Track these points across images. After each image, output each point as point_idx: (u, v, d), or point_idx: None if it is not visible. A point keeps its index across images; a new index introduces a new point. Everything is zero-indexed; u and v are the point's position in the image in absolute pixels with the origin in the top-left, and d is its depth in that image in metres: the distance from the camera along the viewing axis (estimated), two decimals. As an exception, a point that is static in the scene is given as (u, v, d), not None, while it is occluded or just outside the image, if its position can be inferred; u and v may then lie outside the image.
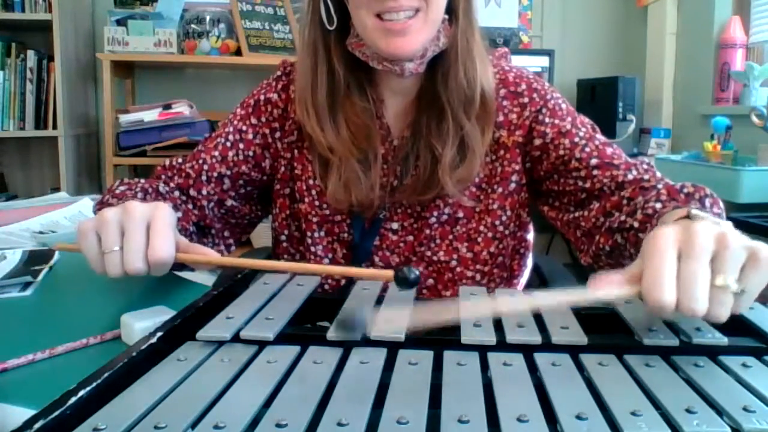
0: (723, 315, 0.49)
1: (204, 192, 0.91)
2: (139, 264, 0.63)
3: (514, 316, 0.54)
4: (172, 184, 0.92)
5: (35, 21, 2.43)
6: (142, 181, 0.88)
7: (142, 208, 0.65)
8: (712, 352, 0.51)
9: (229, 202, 0.94)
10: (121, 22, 2.50)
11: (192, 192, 0.91)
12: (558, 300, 0.51)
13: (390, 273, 0.56)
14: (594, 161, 0.85)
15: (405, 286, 0.54)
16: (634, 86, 2.71)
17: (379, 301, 0.61)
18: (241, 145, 0.93)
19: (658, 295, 0.48)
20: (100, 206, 0.83)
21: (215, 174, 0.92)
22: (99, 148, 2.82)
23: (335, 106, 0.87)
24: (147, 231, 0.64)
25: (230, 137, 0.94)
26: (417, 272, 0.55)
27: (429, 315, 0.47)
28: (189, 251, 0.67)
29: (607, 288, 0.52)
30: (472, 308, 0.49)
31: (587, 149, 0.86)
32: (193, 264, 0.69)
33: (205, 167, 0.92)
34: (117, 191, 0.84)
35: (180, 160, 0.94)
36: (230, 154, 0.93)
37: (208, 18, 2.60)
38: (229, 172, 0.93)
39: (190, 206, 0.91)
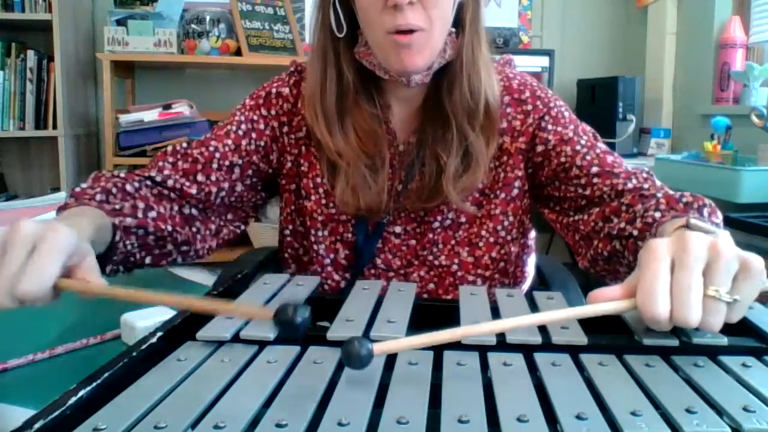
0: (716, 324, 0.49)
1: (213, 178, 0.89)
2: (3, 299, 0.54)
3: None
4: (172, 170, 0.88)
5: (35, 21, 2.43)
6: (120, 176, 0.84)
7: (31, 228, 0.55)
8: (712, 352, 0.51)
9: (238, 189, 0.92)
10: (121, 22, 2.50)
11: (200, 177, 0.88)
12: (558, 316, 0.51)
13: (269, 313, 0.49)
14: (594, 169, 0.85)
15: (289, 329, 0.47)
16: (634, 86, 2.71)
17: (379, 301, 0.61)
18: (254, 135, 0.92)
19: (653, 308, 0.48)
20: (63, 207, 0.78)
21: (227, 162, 0.90)
22: (99, 148, 2.82)
23: (344, 111, 0.87)
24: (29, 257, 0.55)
25: (243, 126, 0.93)
26: (305, 315, 0.48)
27: (429, 339, 0.47)
28: (76, 275, 0.58)
29: (606, 302, 0.52)
30: (474, 330, 0.49)
31: (588, 157, 0.87)
32: (74, 291, 0.58)
33: (217, 155, 0.90)
34: (78, 189, 0.80)
35: (185, 145, 0.91)
36: (243, 143, 0.92)
37: (208, 18, 2.60)
38: (240, 162, 0.91)
39: (192, 191, 0.87)
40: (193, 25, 2.59)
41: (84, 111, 2.73)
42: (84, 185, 0.80)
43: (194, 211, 0.89)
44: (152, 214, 0.81)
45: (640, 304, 0.50)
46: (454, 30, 0.86)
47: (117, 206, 0.78)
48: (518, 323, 0.50)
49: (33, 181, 2.76)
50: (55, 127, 2.49)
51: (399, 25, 0.78)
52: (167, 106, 2.46)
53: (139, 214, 0.80)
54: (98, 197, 0.78)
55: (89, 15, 2.76)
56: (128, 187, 0.82)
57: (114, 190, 0.80)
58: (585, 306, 0.52)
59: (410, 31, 0.79)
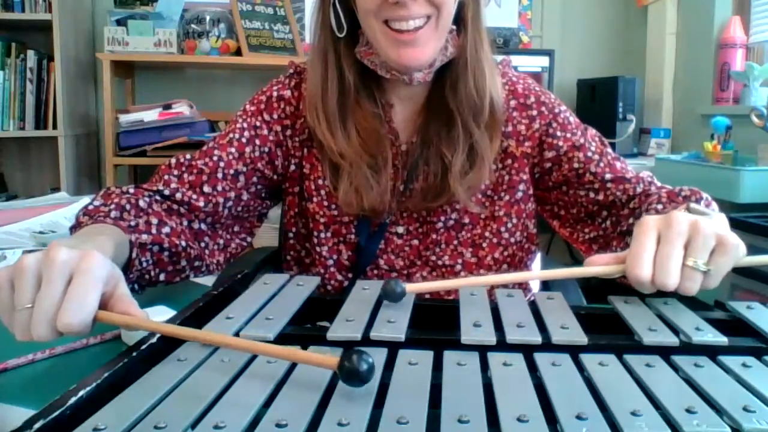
0: (692, 289, 0.58)
1: (219, 188, 0.88)
2: (43, 331, 0.51)
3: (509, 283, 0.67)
4: (179, 183, 0.86)
5: (35, 21, 2.43)
6: (130, 191, 0.82)
7: (66, 256, 0.53)
8: (712, 352, 0.51)
9: (244, 197, 0.91)
10: (121, 22, 2.50)
11: (206, 188, 0.87)
12: (555, 275, 0.62)
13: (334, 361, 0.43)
14: (608, 176, 0.89)
15: (353, 380, 0.42)
16: (634, 86, 2.71)
17: (379, 301, 0.61)
18: (258, 141, 0.91)
19: (637, 271, 0.58)
20: (75, 225, 0.77)
21: (232, 171, 0.89)
22: (99, 148, 2.82)
23: (345, 112, 0.87)
24: (67, 285, 0.52)
25: (246, 133, 0.91)
26: (369, 361, 0.42)
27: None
28: (115, 308, 0.55)
29: (599, 266, 0.62)
30: (472, 281, 0.60)
31: (601, 164, 0.90)
32: (115, 324, 0.55)
33: (222, 164, 0.88)
34: (91, 206, 0.78)
35: (188, 157, 0.90)
36: (247, 150, 0.90)
37: (208, 18, 2.59)
38: (245, 169, 0.90)
39: (200, 204, 0.86)
40: (193, 25, 2.59)
41: (84, 111, 2.73)
42: (96, 203, 0.79)
43: (203, 226, 0.88)
44: (166, 229, 0.80)
45: (627, 268, 0.59)
46: (455, 27, 0.86)
47: (132, 222, 0.76)
48: (525, 277, 0.67)
49: (33, 181, 2.76)
50: (55, 127, 2.49)
51: (402, 15, 0.78)
52: (167, 106, 2.46)
53: (154, 230, 0.78)
54: (113, 214, 0.76)
55: (89, 15, 2.76)
56: (141, 203, 0.80)
57: (128, 207, 0.78)
58: (581, 267, 0.62)
59: (416, 28, 0.79)
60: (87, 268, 0.53)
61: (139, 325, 0.53)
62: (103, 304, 0.54)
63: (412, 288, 0.60)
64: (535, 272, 0.62)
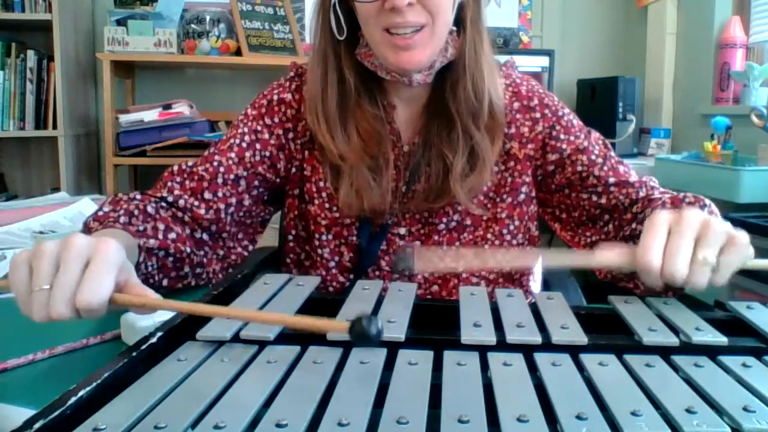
0: (700, 283, 0.59)
1: (220, 194, 0.88)
2: (63, 309, 0.53)
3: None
4: (181, 190, 0.88)
5: (35, 21, 2.43)
6: (138, 197, 0.84)
7: (84, 241, 0.55)
8: (712, 352, 0.51)
9: (246, 203, 0.92)
10: (121, 22, 2.50)
11: (207, 195, 0.88)
12: (564, 260, 0.63)
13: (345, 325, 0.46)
14: (612, 179, 0.89)
15: (362, 341, 0.45)
16: (634, 86, 2.71)
17: (380, 300, 0.61)
18: (258, 146, 0.91)
19: (647, 259, 0.59)
20: (85, 231, 0.78)
21: (232, 176, 0.89)
22: (99, 148, 2.82)
23: (345, 114, 0.87)
24: (85, 268, 0.55)
25: (246, 138, 0.91)
26: (378, 327, 0.45)
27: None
28: (129, 291, 0.57)
29: (609, 254, 0.63)
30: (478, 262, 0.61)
31: (605, 168, 0.90)
32: (129, 306, 0.57)
33: (222, 169, 0.89)
34: (101, 213, 0.81)
35: (190, 164, 0.91)
36: (247, 155, 0.91)
37: (208, 18, 2.59)
38: (245, 174, 0.90)
39: (201, 211, 0.87)
40: (193, 25, 2.59)
41: (84, 111, 2.73)
42: (105, 209, 0.81)
43: (205, 236, 0.89)
44: (172, 235, 0.82)
45: (637, 257, 0.60)
46: (455, 29, 0.86)
47: (140, 227, 0.79)
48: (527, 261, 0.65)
49: (33, 181, 2.75)
50: (55, 127, 2.48)
51: (398, 23, 0.78)
52: (167, 106, 2.46)
53: (160, 236, 0.80)
54: (122, 219, 0.79)
55: (89, 15, 2.75)
56: (149, 209, 0.83)
57: (136, 212, 0.81)
58: (593, 255, 0.64)
59: (413, 32, 0.79)
60: (104, 253, 0.55)
61: (156, 305, 0.55)
62: (118, 291, 0.56)
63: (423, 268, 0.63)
64: (543, 255, 0.63)
